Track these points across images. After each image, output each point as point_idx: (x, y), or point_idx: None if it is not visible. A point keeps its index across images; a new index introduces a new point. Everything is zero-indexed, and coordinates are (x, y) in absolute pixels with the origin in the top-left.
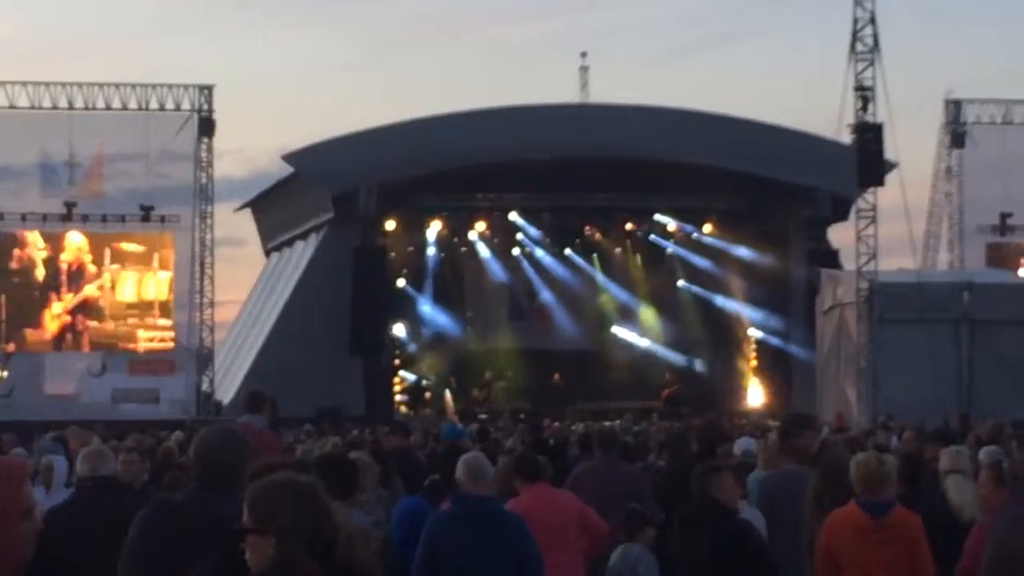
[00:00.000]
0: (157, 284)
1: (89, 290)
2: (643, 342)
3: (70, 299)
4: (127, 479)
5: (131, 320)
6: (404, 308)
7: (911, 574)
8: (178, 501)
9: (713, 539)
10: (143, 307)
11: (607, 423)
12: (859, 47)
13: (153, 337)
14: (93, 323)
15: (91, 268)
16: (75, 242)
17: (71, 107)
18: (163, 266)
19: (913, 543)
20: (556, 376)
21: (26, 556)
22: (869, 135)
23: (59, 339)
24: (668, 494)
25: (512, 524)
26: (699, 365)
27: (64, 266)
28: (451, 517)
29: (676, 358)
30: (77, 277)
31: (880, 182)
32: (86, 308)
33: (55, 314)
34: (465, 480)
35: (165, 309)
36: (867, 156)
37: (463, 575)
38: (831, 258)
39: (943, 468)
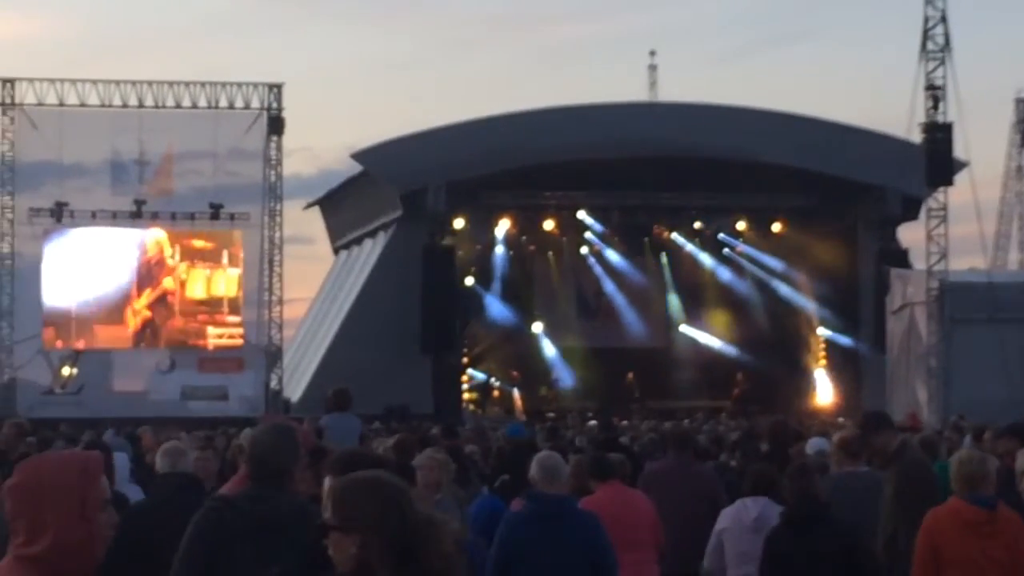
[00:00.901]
0: (227, 281)
1: (167, 283)
2: (712, 341)
3: (149, 293)
4: (202, 476)
5: (201, 317)
6: (472, 306)
7: (1014, 571)
8: (231, 499)
9: (823, 540)
10: (213, 304)
11: (678, 422)
12: (930, 46)
13: (222, 334)
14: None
15: (169, 262)
16: (155, 237)
17: (141, 105)
18: (232, 263)
19: (1017, 540)
20: (630, 375)
21: (103, 548)
22: (939, 134)
23: (140, 334)
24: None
25: (587, 523)
26: (768, 364)
27: (145, 260)
28: (526, 516)
29: (745, 357)
30: (156, 272)
31: (950, 181)
32: (163, 303)
33: (136, 309)
34: (540, 479)
35: (234, 306)
36: (937, 155)
37: (538, 574)
38: (901, 257)
39: (1021, 468)
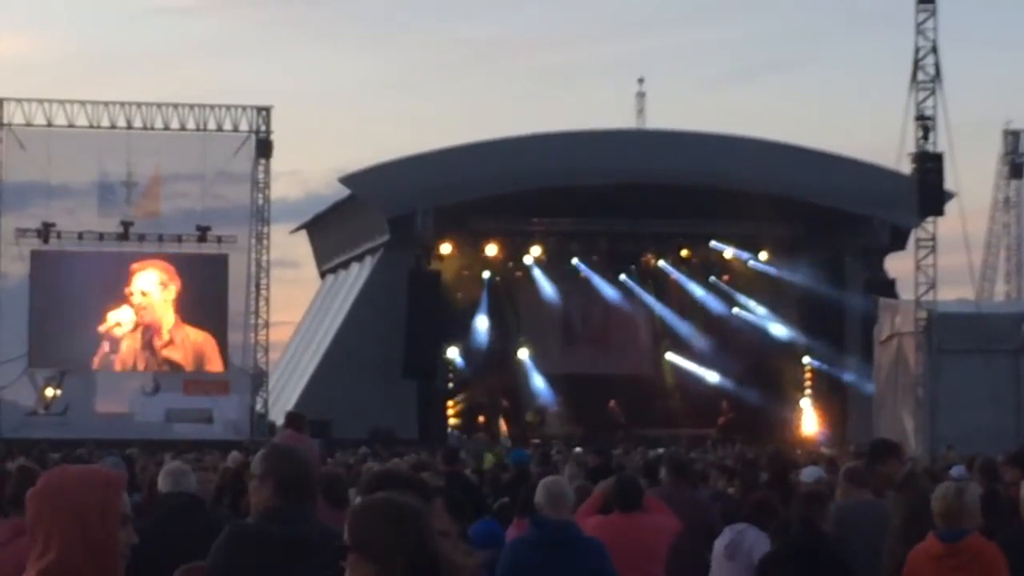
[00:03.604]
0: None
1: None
2: (697, 369)
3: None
4: (202, 496)
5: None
6: (459, 332)
7: None
8: (256, 524)
9: (820, 569)
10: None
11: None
12: (920, 76)
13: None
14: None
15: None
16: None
17: (129, 127)
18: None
19: (988, 571)
20: (612, 403)
21: (122, 565)
22: (930, 164)
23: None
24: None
25: (591, 550)
26: (753, 393)
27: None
28: (531, 542)
29: (730, 386)
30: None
31: (940, 212)
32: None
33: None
34: (545, 504)
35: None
36: (928, 186)
37: None
38: (888, 287)
39: None
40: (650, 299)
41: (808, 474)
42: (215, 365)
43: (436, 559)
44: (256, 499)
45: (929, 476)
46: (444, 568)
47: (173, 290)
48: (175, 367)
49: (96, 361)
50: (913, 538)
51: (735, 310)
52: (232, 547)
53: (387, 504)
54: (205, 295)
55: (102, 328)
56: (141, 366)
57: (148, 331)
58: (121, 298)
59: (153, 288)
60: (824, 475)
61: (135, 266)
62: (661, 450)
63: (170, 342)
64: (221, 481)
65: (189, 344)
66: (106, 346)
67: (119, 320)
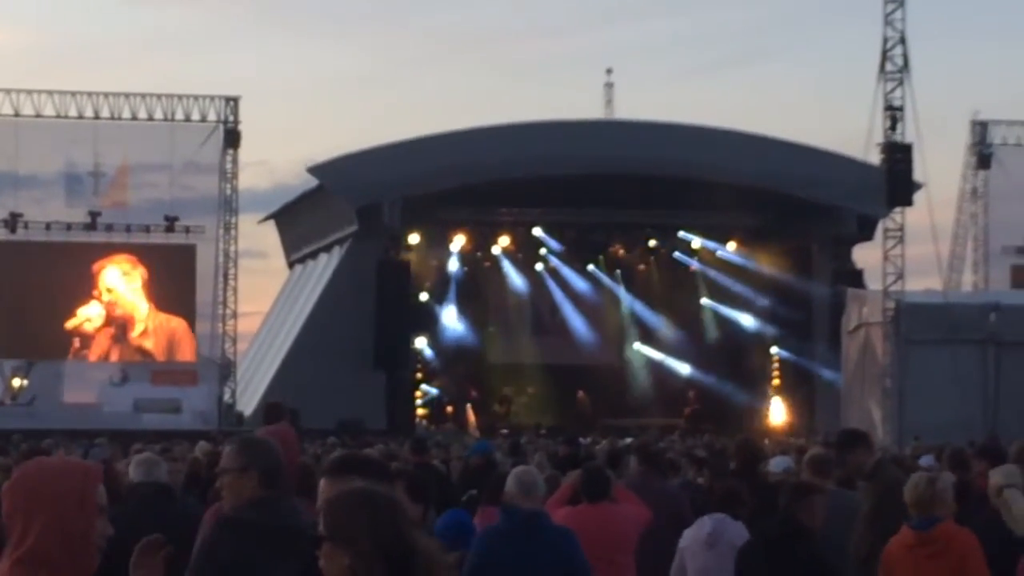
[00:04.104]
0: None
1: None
2: (665, 359)
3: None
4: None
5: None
6: (426, 322)
7: None
8: (247, 514)
9: (796, 562)
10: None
11: (646, 438)
12: (889, 67)
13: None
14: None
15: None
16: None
17: (97, 117)
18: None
19: (964, 559)
20: (580, 394)
21: (97, 556)
22: (898, 155)
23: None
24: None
25: (562, 539)
26: (721, 383)
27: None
28: (501, 531)
29: (698, 376)
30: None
31: (909, 202)
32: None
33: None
34: (516, 494)
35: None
36: (896, 176)
37: None
38: (855, 278)
39: (996, 483)
40: (618, 289)
41: (777, 464)
42: (188, 352)
43: (412, 550)
44: (237, 490)
45: (898, 465)
46: (420, 559)
47: (138, 276)
48: (147, 355)
49: (69, 356)
50: (881, 526)
51: (703, 300)
52: (226, 537)
53: (362, 494)
54: (174, 284)
55: (70, 325)
56: (115, 357)
57: (121, 324)
58: (88, 292)
59: (118, 282)
60: (792, 465)
61: (96, 266)
62: (629, 440)
63: (144, 332)
64: (191, 471)
65: (163, 332)
66: (76, 342)
67: (88, 316)
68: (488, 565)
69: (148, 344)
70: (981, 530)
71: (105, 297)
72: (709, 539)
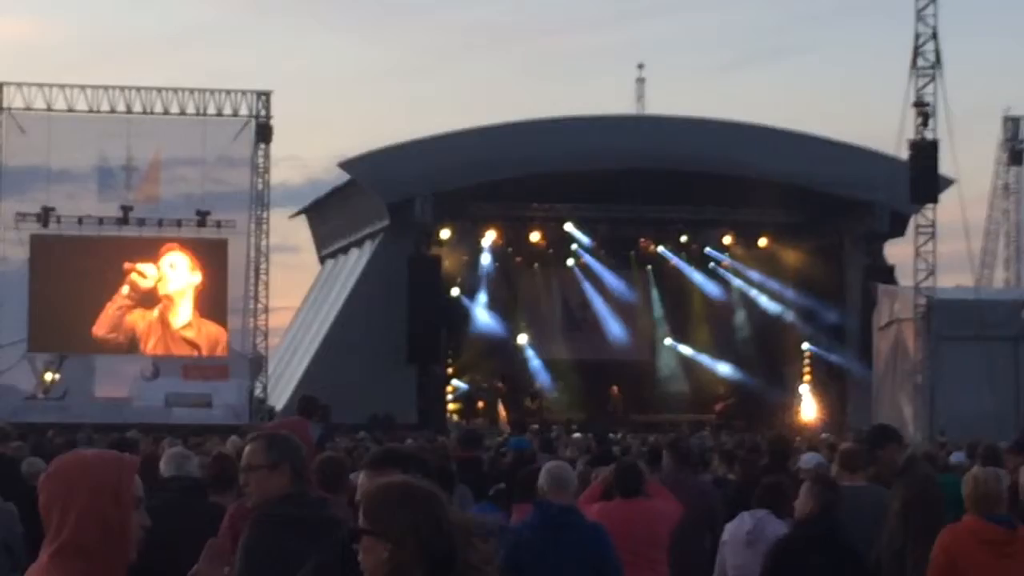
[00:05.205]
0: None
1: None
2: (696, 355)
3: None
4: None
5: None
6: (458, 317)
7: None
8: (283, 509)
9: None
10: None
11: (678, 434)
12: (920, 62)
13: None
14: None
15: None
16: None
17: (129, 111)
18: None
19: None
20: (614, 389)
21: (134, 547)
22: (924, 152)
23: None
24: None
25: (593, 534)
26: (753, 379)
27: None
28: (534, 526)
29: (729, 371)
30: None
31: (934, 199)
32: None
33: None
34: (548, 489)
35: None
36: (921, 172)
37: None
38: (887, 274)
39: None
40: (649, 285)
41: (808, 460)
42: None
43: (452, 545)
44: (268, 486)
45: (930, 462)
46: (459, 553)
47: (199, 279)
48: (192, 346)
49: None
50: (913, 523)
51: (734, 296)
52: (269, 533)
53: (402, 487)
54: (209, 283)
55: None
56: (154, 339)
57: (164, 303)
58: (118, 286)
59: (183, 268)
60: (824, 461)
61: (164, 248)
62: (662, 436)
63: (188, 326)
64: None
65: (205, 334)
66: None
67: (145, 272)
68: (520, 560)
69: (191, 335)
70: None
71: (164, 270)
72: (749, 536)
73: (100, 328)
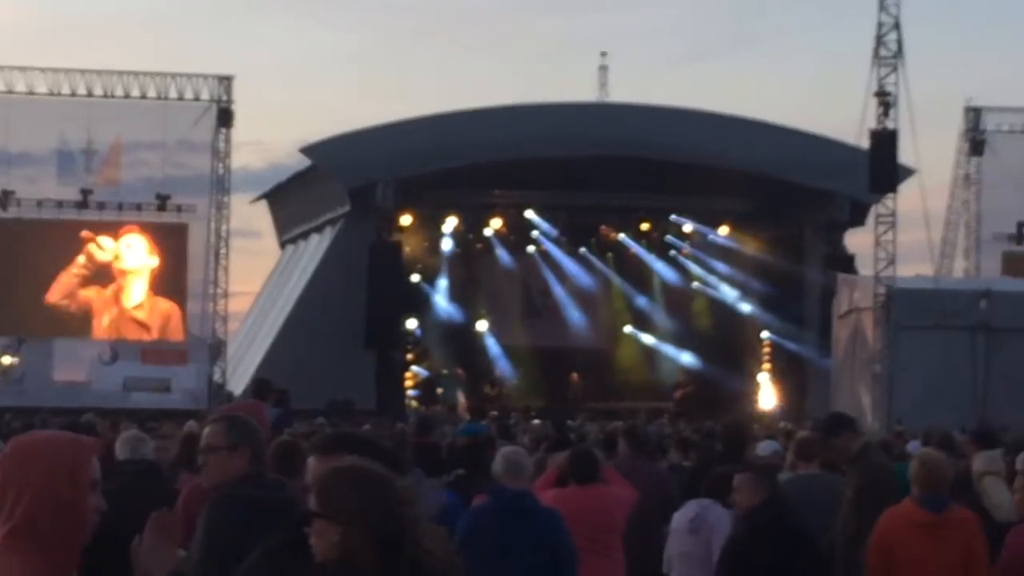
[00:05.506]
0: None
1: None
2: (656, 343)
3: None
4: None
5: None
6: (418, 303)
7: (966, 572)
8: (242, 490)
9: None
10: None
11: (634, 421)
12: (882, 52)
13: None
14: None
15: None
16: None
17: (90, 94)
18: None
19: (970, 540)
20: (574, 376)
21: (89, 530)
22: (883, 141)
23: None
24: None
25: (548, 519)
26: (712, 367)
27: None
28: (488, 511)
29: (689, 359)
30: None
31: (893, 188)
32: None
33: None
34: (503, 474)
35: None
36: (880, 162)
37: (498, 568)
38: (847, 263)
39: (979, 469)
40: (610, 272)
41: (764, 448)
42: (177, 334)
43: (403, 529)
44: (227, 467)
45: (886, 450)
46: (410, 535)
47: (156, 263)
48: (143, 327)
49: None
50: (867, 509)
51: (694, 284)
52: (230, 512)
53: (353, 470)
54: (167, 265)
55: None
56: (107, 321)
57: (119, 282)
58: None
59: (140, 250)
60: (781, 449)
61: (123, 230)
62: (619, 423)
63: (139, 306)
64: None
65: (158, 312)
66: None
67: (103, 244)
68: (475, 544)
69: (141, 316)
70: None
71: (122, 250)
72: (691, 524)
73: (53, 295)
